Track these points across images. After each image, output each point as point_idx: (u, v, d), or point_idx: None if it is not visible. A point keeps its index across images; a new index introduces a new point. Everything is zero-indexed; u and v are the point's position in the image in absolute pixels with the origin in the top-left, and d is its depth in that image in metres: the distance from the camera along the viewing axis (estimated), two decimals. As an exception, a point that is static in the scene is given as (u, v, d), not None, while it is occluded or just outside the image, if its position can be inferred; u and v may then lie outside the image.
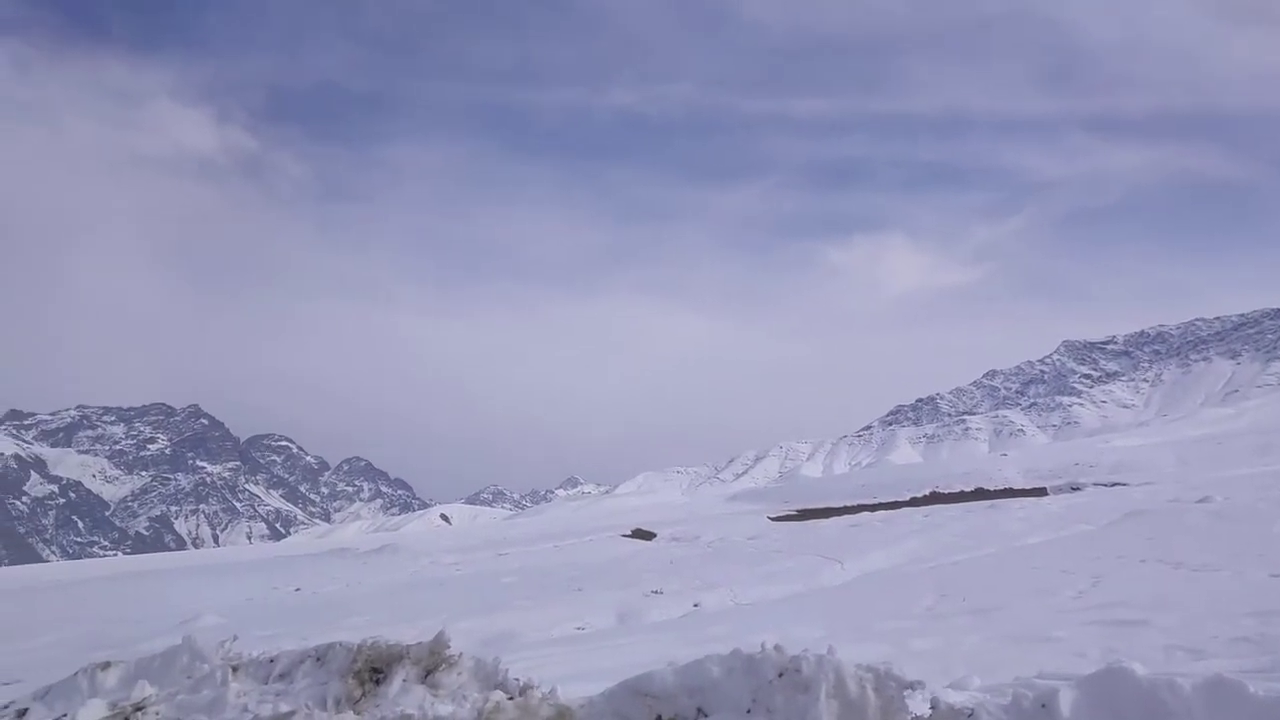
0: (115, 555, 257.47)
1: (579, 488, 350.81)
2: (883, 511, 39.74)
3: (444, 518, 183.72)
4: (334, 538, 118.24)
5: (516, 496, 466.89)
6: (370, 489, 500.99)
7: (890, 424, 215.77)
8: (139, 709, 5.20)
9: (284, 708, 4.99)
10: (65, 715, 5.34)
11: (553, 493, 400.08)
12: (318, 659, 5.41)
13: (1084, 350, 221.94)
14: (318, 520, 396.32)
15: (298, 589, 31.06)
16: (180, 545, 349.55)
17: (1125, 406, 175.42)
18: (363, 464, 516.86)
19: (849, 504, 44.44)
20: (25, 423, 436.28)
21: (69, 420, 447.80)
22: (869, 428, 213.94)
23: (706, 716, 4.28)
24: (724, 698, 4.28)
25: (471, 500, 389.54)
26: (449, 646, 5.25)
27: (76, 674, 5.95)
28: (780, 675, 4.22)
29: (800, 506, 46.27)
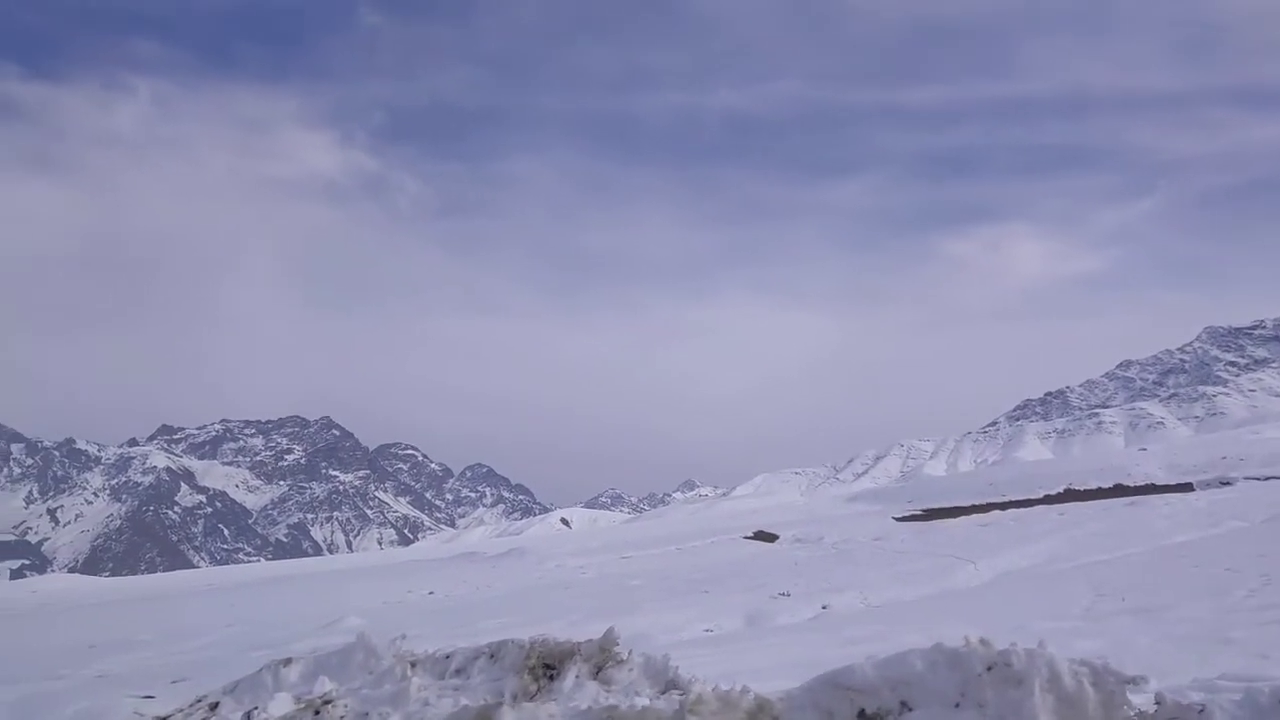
0: (258, 561, 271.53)
1: (696, 490, 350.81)
2: (1014, 510, 38.46)
3: (564, 522, 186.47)
4: (460, 542, 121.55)
5: (634, 500, 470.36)
6: (492, 494, 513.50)
7: (1017, 419, 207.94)
8: (327, 702, 5.47)
9: (464, 701, 5.16)
10: (256, 708, 5.65)
11: (670, 496, 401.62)
12: (491, 656, 5.57)
13: (1229, 336, 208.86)
14: (443, 526, 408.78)
15: (431, 592, 32.08)
16: (317, 551, 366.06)
17: (1277, 395, 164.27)
18: (484, 470, 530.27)
19: (977, 503, 43.14)
20: (175, 437, 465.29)
21: (214, 434, 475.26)
22: (994, 424, 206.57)
23: (910, 710, 4.18)
24: (929, 692, 4.15)
25: (590, 504, 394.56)
26: (618, 644, 5.32)
27: (261, 670, 6.30)
28: (989, 669, 4.07)
29: (925, 506, 45.13)
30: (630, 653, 5.36)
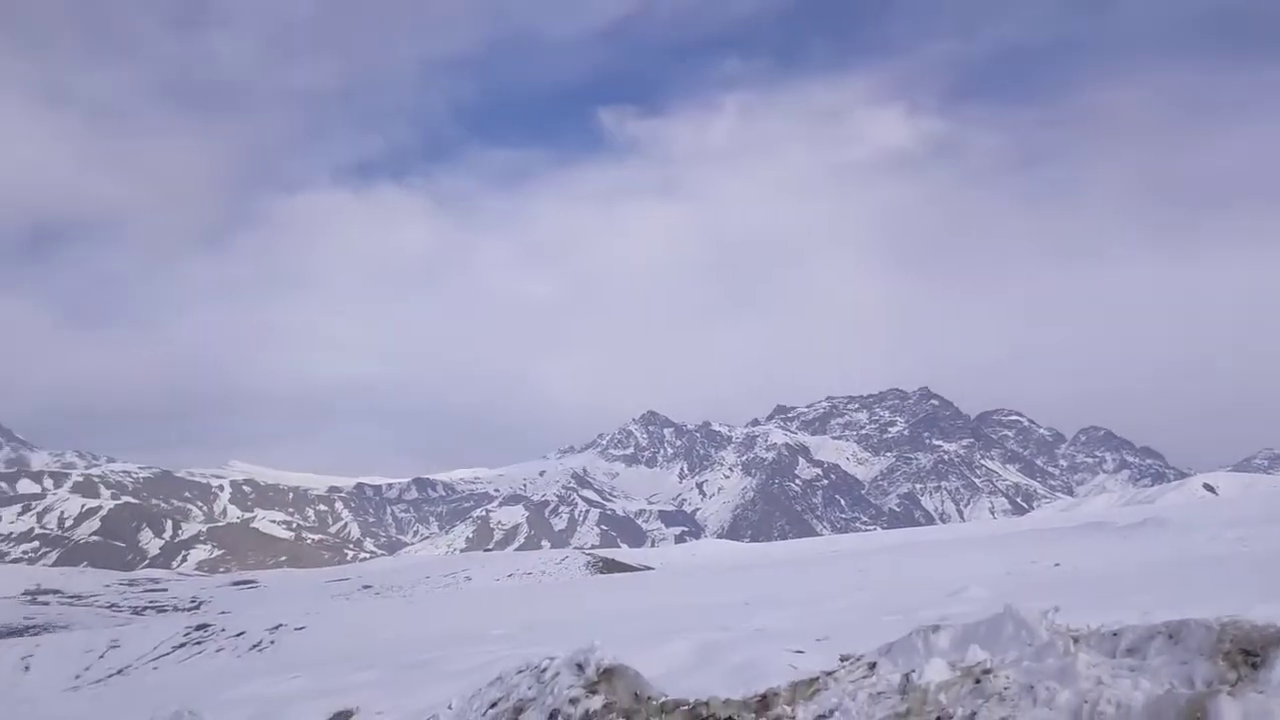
0: (874, 530, 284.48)
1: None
2: None
3: (1208, 488, 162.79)
4: (1081, 511, 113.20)
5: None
6: (1114, 459, 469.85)
7: None
8: (986, 672, 5.38)
9: (1144, 683, 4.65)
10: (913, 671, 5.79)
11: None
12: (1169, 636, 4.95)
13: None
14: (1059, 494, 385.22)
15: (1057, 564, 30.30)
16: (928, 520, 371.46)
17: None
18: (1101, 433, 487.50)
19: None
20: (789, 415, 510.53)
21: (822, 411, 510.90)
22: None
23: None
24: None
25: (1241, 467, 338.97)
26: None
27: (911, 635, 6.44)
28: None
29: None
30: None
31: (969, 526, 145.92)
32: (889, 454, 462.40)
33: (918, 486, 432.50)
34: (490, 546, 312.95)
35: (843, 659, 7.80)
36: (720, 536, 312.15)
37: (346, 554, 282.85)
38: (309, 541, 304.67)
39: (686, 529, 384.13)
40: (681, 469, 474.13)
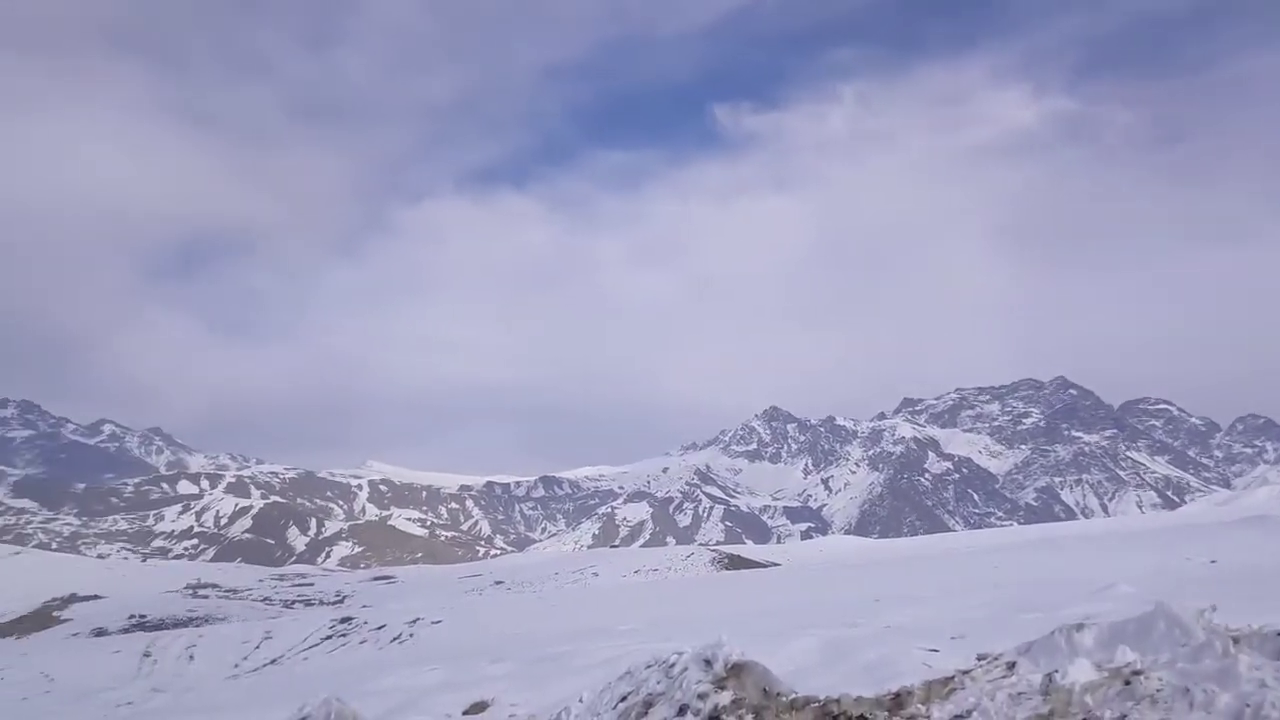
0: (1010, 525, 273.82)
1: None
2: None
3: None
4: (1240, 505, 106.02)
5: None
6: (1275, 449, 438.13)
7: None
8: (1136, 673, 5.11)
9: (1316, 690, 4.32)
10: (1056, 671, 5.54)
11: None
12: (1343, 637, 4.58)
13: None
14: (1214, 486, 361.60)
15: (1213, 561, 28.47)
16: (1069, 515, 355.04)
17: None
18: (1261, 421, 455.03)
19: None
20: (916, 409, 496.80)
21: (951, 403, 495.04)
22: None
23: None
24: None
25: None
26: None
27: (1053, 633, 6.17)
28: None
29: None
30: None
31: (1114, 521, 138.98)
32: (1024, 446, 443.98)
33: (1056, 480, 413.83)
34: (616, 543, 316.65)
35: (979, 658, 7.57)
36: (847, 532, 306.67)
37: (478, 550, 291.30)
38: (442, 538, 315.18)
39: (812, 525, 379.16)
40: (806, 464, 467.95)
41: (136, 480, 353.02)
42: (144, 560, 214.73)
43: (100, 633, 65.02)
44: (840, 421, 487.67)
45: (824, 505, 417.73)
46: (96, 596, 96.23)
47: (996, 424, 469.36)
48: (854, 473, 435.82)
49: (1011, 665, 5.99)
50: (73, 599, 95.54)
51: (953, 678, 6.65)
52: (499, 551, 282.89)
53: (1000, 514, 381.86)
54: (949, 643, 11.96)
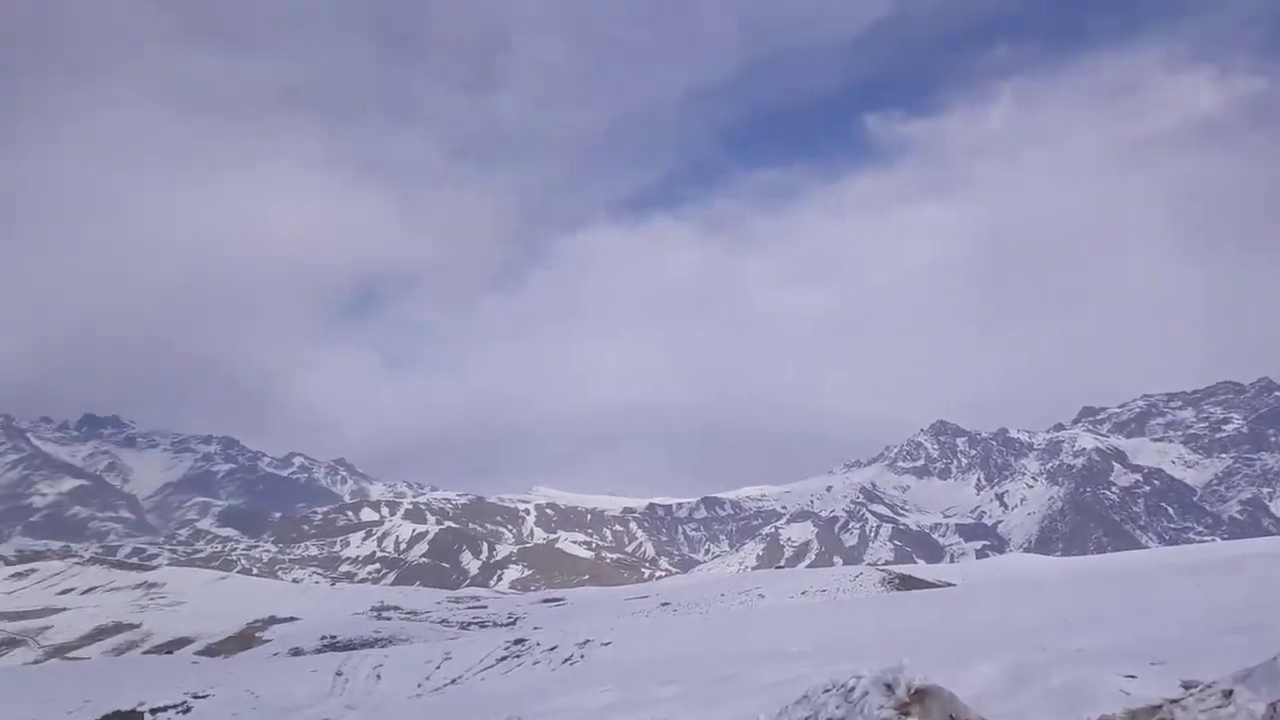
0: (1212, 540, 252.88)
1: None
2: None
3: None
4: None
5: None
6: None
7: None
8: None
9: None
10: (1277, 702, 5.04)
11: None
12: None
13: None
14: None
15: None
16: (1279, 529, 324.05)
17: None
18: None
19: None
20: (1098, 417, 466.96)
21: (1137, 410, 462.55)
22: None
23: None
24: None
25: None
26: None
27: (1276, 659, 5.63)
28: None
29: None
30: None
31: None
32: (1225, 455, 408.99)
33: (1264, 491, 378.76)
34: (781, 564, 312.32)
35: (1186, 685, 7.01)
36: (1027, 550, 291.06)
37: (643, 572, 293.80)
38: (608, 561, 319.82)
39: (988, 543, 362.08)
40: (978, 479, 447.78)
41: (324, 509, 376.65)
42: (332, 584, 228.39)
43: (297, 652, 69.46)
44: (1014, 434, 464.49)
45: (999, 522, 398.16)
46: (293, 618, 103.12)
47: (1191, 431, 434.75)
48: (1031, 487, 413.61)
49: (1228, 694, 5.48)
50: (272, 621, 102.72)
51: (1159, 707, 6.19)
52: (664, 573, 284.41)
53: (1200, 528, 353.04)
54: (1148, 668, 11.11)
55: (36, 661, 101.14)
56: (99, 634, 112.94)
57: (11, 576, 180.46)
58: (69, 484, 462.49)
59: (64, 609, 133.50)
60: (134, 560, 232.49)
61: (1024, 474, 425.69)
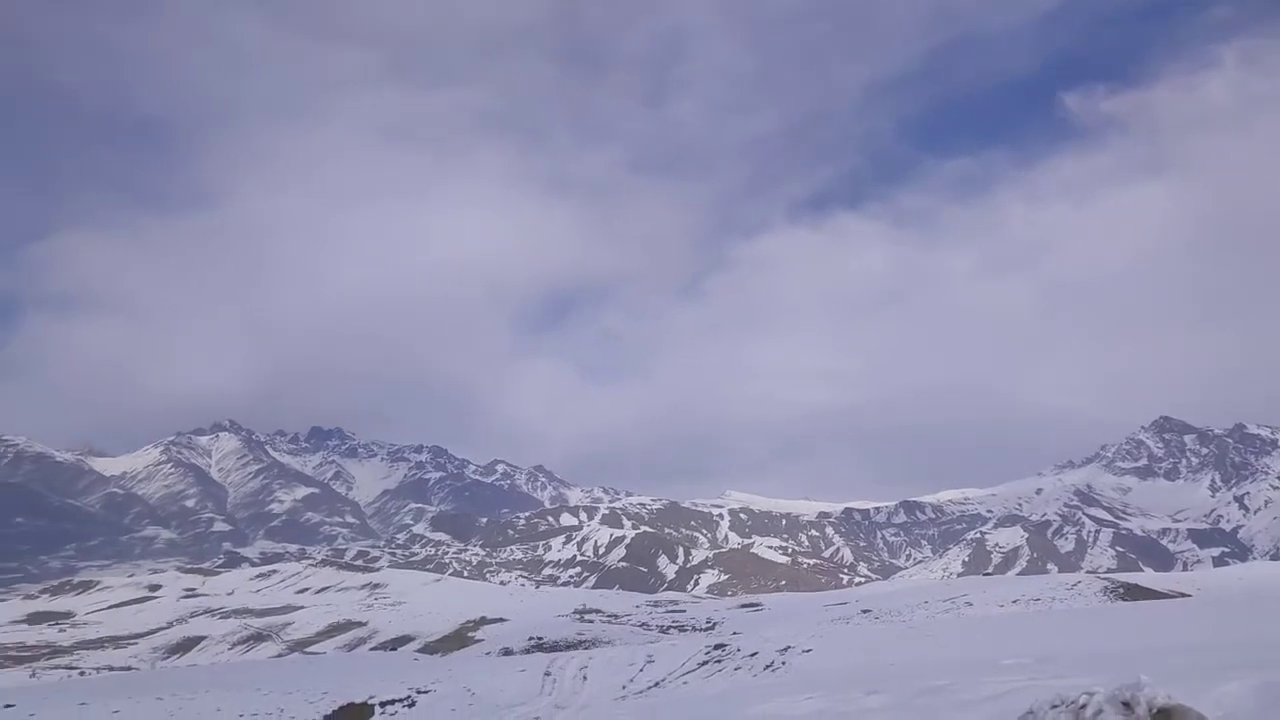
0: None
1: None
2: None
3: None
4: None
5: None
6: None
7: None
8: None
9: None
10: None
11: None
12: None
13: None
14: None
15: None
16: None
17: None
18: None
19: None
20: None
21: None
22: None
23: None
24: None
25: None
26: None
27: None
28: None
29: None
30: None
31: None
32: None
33: None
34: (988, 571, 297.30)
35: None
36: (1275, 558, 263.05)
37: (841, 578, 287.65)
38: (804, 566, 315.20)
39: (1227, 550, 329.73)
40: (1212, 480, 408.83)
41: (527, 514, 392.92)
42: (537, 586, 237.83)
43: (507, 652, 72.72)
44: (1252, 429, 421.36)
45: (1239, 527, 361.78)
46: (502, 619, 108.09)
47: None
48: (1276, 488, 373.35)
49: None
50: (483, 621, 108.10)
51: None
52: (863, 579, 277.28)
53: None
54: None
55: (280, 655, 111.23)
56: (332, 630, 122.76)
57: (257, 577, 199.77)
58: (302, 491, 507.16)
59: (301, 607, 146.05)
60: (359, 563, 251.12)
61: (1267, 474, 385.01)
